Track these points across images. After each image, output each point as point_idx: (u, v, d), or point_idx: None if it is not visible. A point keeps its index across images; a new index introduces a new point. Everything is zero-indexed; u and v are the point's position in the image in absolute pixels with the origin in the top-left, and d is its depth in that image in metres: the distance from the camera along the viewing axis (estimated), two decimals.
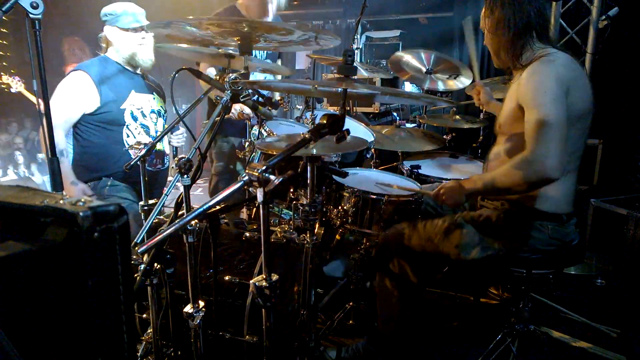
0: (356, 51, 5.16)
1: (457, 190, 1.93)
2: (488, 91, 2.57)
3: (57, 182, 1.77)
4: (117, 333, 0.63)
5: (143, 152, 1.86)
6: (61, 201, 0.65)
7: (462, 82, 3.23)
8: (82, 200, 0.65)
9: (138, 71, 2.88)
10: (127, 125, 2.76)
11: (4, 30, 3.77)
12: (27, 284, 0.61)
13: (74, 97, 2.60)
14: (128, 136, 2.77)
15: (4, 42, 3.81)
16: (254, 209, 2.61)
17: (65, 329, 0.63)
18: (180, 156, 1.55)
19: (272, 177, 1.20)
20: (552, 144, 1.69)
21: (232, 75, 1.68)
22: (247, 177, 1.22)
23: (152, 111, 2.88)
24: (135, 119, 2.79)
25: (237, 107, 2.87)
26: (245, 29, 1.64)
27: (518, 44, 1.91)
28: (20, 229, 0.65)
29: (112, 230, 0.64)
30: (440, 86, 3.34)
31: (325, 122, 1.40)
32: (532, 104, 1.78)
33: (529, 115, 1.78)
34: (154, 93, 2.94)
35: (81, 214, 0.61)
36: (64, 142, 2.62)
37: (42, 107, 1.67)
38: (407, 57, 3.26)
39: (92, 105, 2.64)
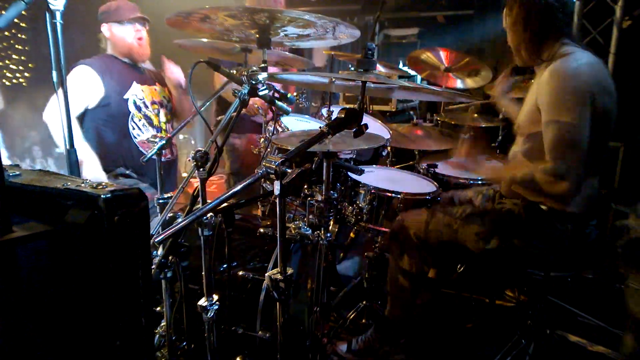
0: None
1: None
2: (507, 85, 2.49)
3: (74, 175, 1.77)
4: (136, 317, 0.62)
5: (161, 144, 1.85)
6: (82, 184, 0.65)
7: (482, 80, 3.20)
8: (104, 183, 0.64)
9: (138, 64, 2.94)
10: (132, 117, 2.80)
11: (23, 25, 3.80)
12: (49, 264, 0.61)
13: (77, 90, 2.64)
14: (133, 128, 2.81)
15: (23, 36, 3.84)
16: (268, 206, 2.60)
17: (84, 310, 0.62)
18: (197, 149, 1.55)
19: (288, 170, 1.19)
20: (572, 163, 1.66)
21: (251, 69, 1.66)
22: (263, 170, 1.20)
23: (154, 102, 2.93)
24: (138, 108, 2.83)
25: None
26: (264, 21, 1.63)
27: (538, 40, 1.87)
28: (43, 211, 0.64)
29: (132, 214, 0.63)
30: (459, 84, 3.30)
31: (343, 116, 1.38)
32: (552, 112, 1.72)
33: (548, 120, 1.72)
34: (157, 84, 3.00)
35: (102, 197, 0.61)
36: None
37: (61, 100, 1.68)
38: (426, 55, 3.24)
39: (96, 95, 2.69)
